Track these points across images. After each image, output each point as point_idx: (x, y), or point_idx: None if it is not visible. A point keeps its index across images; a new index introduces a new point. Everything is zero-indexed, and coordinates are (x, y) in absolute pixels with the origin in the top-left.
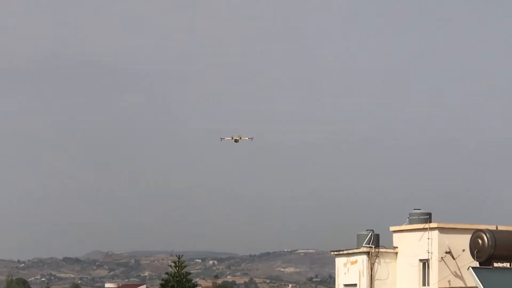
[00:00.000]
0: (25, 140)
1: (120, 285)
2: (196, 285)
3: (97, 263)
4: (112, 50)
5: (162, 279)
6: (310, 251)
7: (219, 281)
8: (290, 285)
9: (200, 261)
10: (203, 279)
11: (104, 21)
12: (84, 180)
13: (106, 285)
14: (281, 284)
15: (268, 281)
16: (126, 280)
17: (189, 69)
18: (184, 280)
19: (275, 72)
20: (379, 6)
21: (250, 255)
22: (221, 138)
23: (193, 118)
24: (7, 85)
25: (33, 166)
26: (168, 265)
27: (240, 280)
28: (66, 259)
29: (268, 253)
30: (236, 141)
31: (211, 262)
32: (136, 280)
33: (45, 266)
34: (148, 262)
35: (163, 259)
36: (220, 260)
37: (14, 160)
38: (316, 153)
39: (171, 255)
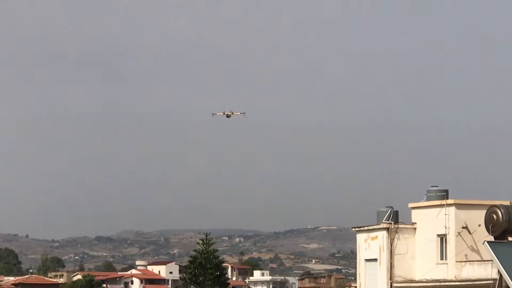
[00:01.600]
0: (63, 126)
1: (150, 262)
2: (223, 262)
3: (128, 242)
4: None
5: (191, 256)
6: (332, 227)
7: (245, 258)
8: (313, 261)
9: (227, 238)
10: (230, 255)
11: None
12: (115, 164)
13: (137, 262)
14: (305, 260)
15: (292, 257)
16: (156, 258)
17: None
18: (211, 256)
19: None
20: None
21: (275, 232)
22: (212, 114)
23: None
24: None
25: (69, 151)
26: (196, 243)
27: (266, 256)
28: (98, 238)
29: (292, 230)
30: (228, 116)
31: (237, 239)
32: (166, 257)
33: (79, 245)
34: (177, 240)
35: (191, 237)
36: (246, 237)
37: (53, 145)
38: (339, 135)
39: (199, 233)
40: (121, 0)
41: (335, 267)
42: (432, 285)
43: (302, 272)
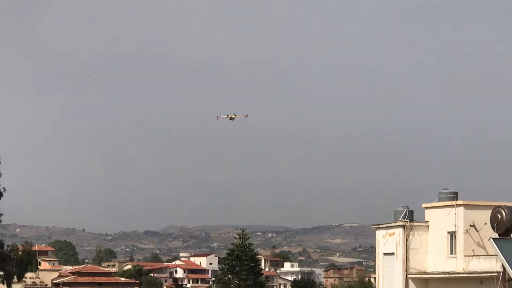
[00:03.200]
0: (113, 125)
1: (192, 254)
2: (257, 254)
3: (173, 236)
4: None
5: (229, 249)
6: (354, 225)
7: (277, 251)
8: (337, 254)
9: (260, 233)
10: (263, 249)
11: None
12: (161, 165)
13: (181, 254)
14: (330, 253)
15: (318, 250)
16: (198, 250)
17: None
18: (247, 249)
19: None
20: None
21: (303, 228)
22: (217, 117)
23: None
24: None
25: (123, 152)
26: (234, 237)
27: (295, 250)
28: (146, 232)
29: (318, 227)
30: (231, 118)
31: (270, 234)
32: (206, 250)
33: (129, 238)
34: (216, 234)
35: (229, 232)
36: (278, 233)
37: (108, 145)
38: (360, 139)
39: (236, 229)
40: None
41: (356, 260)
42: (442, 277)
43: (327, 264)
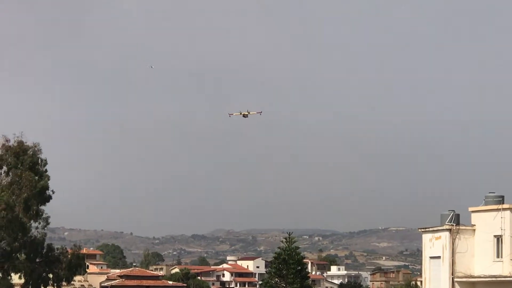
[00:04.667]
0: (164, 133)
1: (239, 257)
2: (304, 258)
3: (220, 239)
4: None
5: (275, 253)
6: (401, 228)
7: (323, 254)
8: (383, 258)
9: (307, 237)
10: (310, 252)
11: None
12: (208, 169)
13: (228, 257)
14: (376, 257)
15: (365, 254)
16: (245, 254)
17: None
18: (293, 253)
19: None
20: None
21: (350, 232)
22: (229, 114)
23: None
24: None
25: (169, 157)
26: (280, 241)
27: (341, 254)
28: (194, 236)
29: (365, 230)
30: (244, 116)
31: (316, 238)
32: (253, 253)
33: (176, 242)
34: (263, 238)
35: (276, 236)
36: (324, 237)
37: (156, 150)
38: (406, 144)
39: (282, 232)
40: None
41: (403, 263)
42: (489, 280)
43: (373, 267)
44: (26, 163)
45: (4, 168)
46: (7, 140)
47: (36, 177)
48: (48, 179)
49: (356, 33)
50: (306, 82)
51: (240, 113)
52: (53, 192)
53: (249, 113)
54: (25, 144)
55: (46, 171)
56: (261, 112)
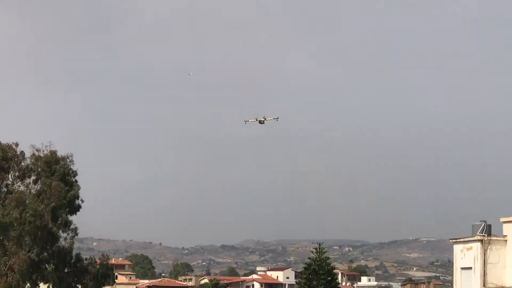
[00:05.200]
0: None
1: (269, 268)
2: (334, 268)
3: (249, 250)
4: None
5: (305, 263)
6: (431, 239)
7: (353, 265)
8: (414, 268)
9: (337, 247)
10: (340, 263)
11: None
12: (237, 179)
13: (257, 268)
14: (407, 268)
15: (395, 265)
16: (274, 264)
17: None
18: (324, 264)
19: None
20: None
21: (380, 243)
22: (245, 121)
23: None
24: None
25: (196, 165)
26: (310, 251)
27: (372, 264)
28: (223, 246)
29: (395, 241)
30: (261, 122)
31: (347, 248)
32: (283, 264)
33: (206, 252)
34: (293, 248)
35: (305, 246)
36: (355, 247)
37: (182, 160)
38: (437, 154)
39: (312, 243)
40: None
41: (433, 274)
42: None
43: (404, 278)
44: (57, 173)
45: (33, 177)
46: (37, 150)
47: (66, 187)
48: (78, 189)
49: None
50: (338, 92)
51: (256, 120)
52: (82, 201)
53: (265, 119)
54: (57, 154)
55: (76, 181)
56: (278, 118)
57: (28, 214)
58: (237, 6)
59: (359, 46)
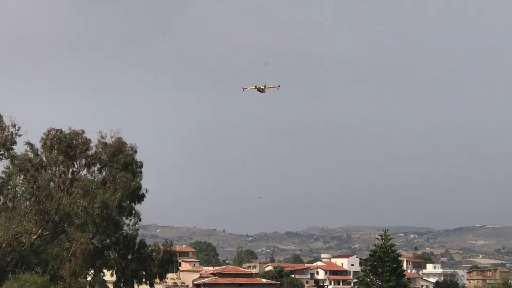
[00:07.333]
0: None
1: (333, 255)
2: (399, 256)
3: (314, 237)
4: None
5: (371, 250)
6: (497, 226)
7: (419, 252)
8: (480, 256)
9: (402, 235)
10: (405, 250)
11: None
12: (301, 166)
13: (322, 255)
14: (473, 255)
15: (461, 252)
16: (339, 251)
17: None
18: (389, 251)
19: None
20: None
21: (446, 230)
22: (243, 88)
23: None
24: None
25: (261, 152)
26: (376, 238)
27: (437, 252)
28: (287, 233)
29: (461, 228)
30: (260, 90)
31: (412, 235)
32: (347, 251)
33: (270, 239)
34: (357, 236)
35: (370, 233)
36: (420, 234)
37: (246, 147)
38: (503, 139)
39: (377, 230)
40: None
41: (500, 261)
42: None
43: (470, 266)
44: (121, 162)
45: (98, 165)
46: (103, 137)
47: (131, 176)
48: (141, 179)
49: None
50: (415, 79)
51: (255, 87)
52: (146, 191)
53: (265, 87)
54: (122, 141)
55: (141, 172)
56: (279, 86)
57: (95, 206)
58: None
59: None
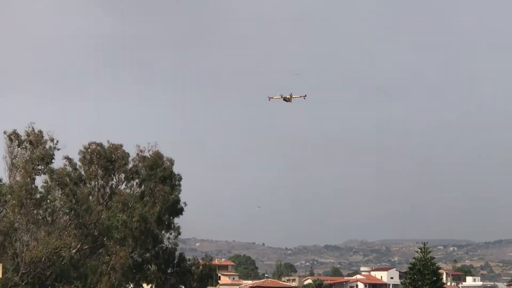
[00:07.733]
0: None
1: (373, 268)
2: (439, 269)
3: (353, 250)
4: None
5: (410, 263)
6: None
7: (458, 265)
8: None
9: (442, 247)
10: (445, 263)
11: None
12: (343, 180)
13: (361, 268)
14: None
15: (501, 264)
16: (378, 264)
17: None
18: (429, 264)
19: None
20: None
21: (485, 242)
22: (269, 98)
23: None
24: None
25: (302, 166)
26: (415, 251)
27: (477, 264)
28: (327, 246)
29: (501, 240)
30: (286, 100)
31: (451, 248)
32: (387, 264)
33: (309, 253)
34: (397, 248)
35: (410, 246)
36: (459, 247)
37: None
38: None
39: (416, 243)
40: None
41: None
42: None
43: (510, 278)
44: (159, 176)
45: (137, 180)
46: (142, 151)
47: (169, 189)
48: (179, 193)
49: None
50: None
51: (281, 97)
52: (185, 205)
53: (292, 96)
54: (160, 154)
55: (179, 185)
56: (305, 95)
57: (134, 220)
58: None
59: None
